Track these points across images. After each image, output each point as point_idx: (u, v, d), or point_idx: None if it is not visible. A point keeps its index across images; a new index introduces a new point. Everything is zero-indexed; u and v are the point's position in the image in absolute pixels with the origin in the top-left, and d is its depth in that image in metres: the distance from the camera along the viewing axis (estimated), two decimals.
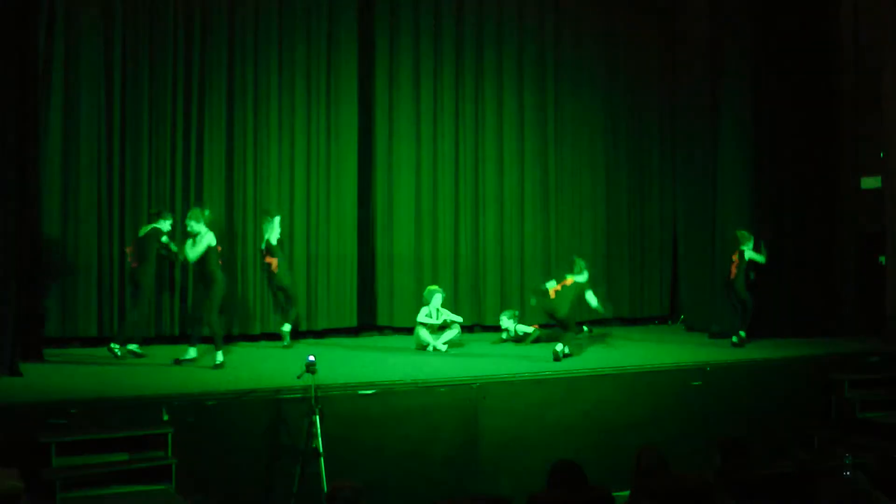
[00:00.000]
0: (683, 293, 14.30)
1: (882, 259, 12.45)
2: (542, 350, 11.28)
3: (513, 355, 10.80)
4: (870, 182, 12.95)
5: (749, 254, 11.70)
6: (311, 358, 7.73)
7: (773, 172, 12.90)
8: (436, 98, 13.27)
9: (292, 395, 7.98)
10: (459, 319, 11.51)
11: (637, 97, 14.64)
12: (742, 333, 11.60)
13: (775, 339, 12.02)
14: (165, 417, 7.57)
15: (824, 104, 13.20)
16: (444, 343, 11.19)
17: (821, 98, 13.19)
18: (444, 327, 11.39)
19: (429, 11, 13.19)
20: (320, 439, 7.57)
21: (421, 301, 11.56)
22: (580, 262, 10.95)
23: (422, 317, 11.24)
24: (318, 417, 7.59)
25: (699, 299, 13.53)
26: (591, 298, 10.91)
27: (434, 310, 11.25)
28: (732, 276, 11.79)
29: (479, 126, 13.54)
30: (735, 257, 11.79)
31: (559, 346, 10.25)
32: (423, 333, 11.16)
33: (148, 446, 7.41)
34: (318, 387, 7.74)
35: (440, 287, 11.75)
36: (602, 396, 9.38)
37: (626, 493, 5.39)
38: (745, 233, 11.83)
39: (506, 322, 12.17)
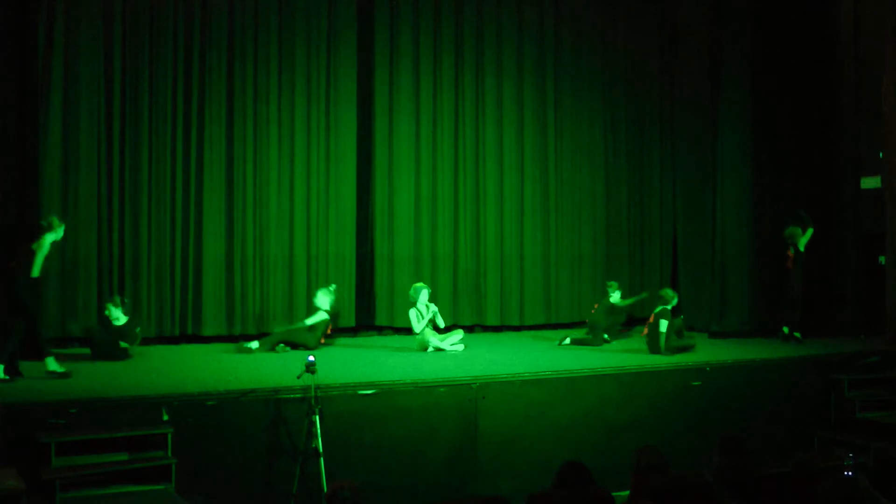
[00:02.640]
0: (683, 293, 14.28)
1: (882, 259, 12.45)
2: (544, 349, 11.30)
3: (513, 355, 10.79)
4: (870, 182, 12.94)
5: (803, 244, 11.87)
6: (311, 358, 7.74)
7: (773, 172, 12.90)
8: (435, 98, 13.27)
9: (292, 395, 7.98)
10: (441, 323, 11.40)
11: (637, 97, 14.62)
12: (785, 330, 11.88)
13: (775, 338, 12.04)
14: (165, 417, 7.58)
15: (824, 104, 13.20)
16: (453, 345, 11.15)
17: (820, 98, 13.19)
18: (441, 327, 11.36)
19: (429, 11, 13.19)
20: (320, 439, 7.58)
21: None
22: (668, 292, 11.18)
23: (414, 320, 11.16)
24: (318, 417, 7.60)
25: (699, 299, 13.53)
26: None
27: (423, 306, 11.21)
28: (789, 267, 11.98)
29: (478, 126, 13.54)
30: (790, 252, 11.96)
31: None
32: (431, 338, 11.09)
33: (148, 446, 7.42)
34: (317, 387, 7.75)
35: (430, 284, 11.69)
36: (602, 396, 9.38)
37: (626, 493, 5.39)
38: (796, 229, 11.93)
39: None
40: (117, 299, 10.53)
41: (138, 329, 10.48)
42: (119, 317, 10.32)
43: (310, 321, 11.28)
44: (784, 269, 12.11)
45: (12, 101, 9.07)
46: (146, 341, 11.16)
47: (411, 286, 11.52)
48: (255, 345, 10.93)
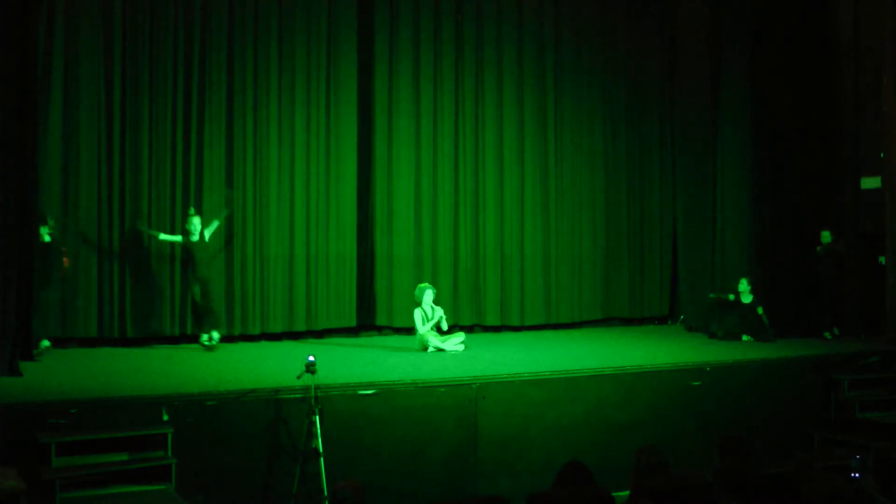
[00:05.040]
0: (683, 293, 14.30)
1: (882, 259, 12.46)
2: (544, 349, 11.31)
3: (513, 355, 10.79)
4: (870, 182, 12.95)
5: (825, 241, 12.33)
6: (311, 358, 7.72)
7: (773, 172, 12.90)
8: (435, 98, 13.27)
9: (292, 395, 7.98)
10: (445, 326, 11.33)
11: (637, 97, 14.64)
12: (828, 333, 12.27)
13: (776, 339, 12.05)
14: (165, 417, 7.58)
15: (824, 104, 13.20)
16: (455, 346, 11.12)
17: (820, 98, 13.19)
18: (444, 330, 11.32)
19: (429, 11, 13.20)
20: (320, 439, 7.57)
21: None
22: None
23: (419, 321, 11.11)
24: (318, 417, 7.60)
25: (699, 299, 13.53)
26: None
27: (428, 307, 11.19)
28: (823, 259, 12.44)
29: (478, 126, 13.55)
30: (817, 249, 12.42)
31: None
32: (432, 338, 11.05)
33: (148, 446, 7.41)
34: (317, 387, 7.75)
35: (431, 284, 11.67)
36: (602, 396, 9.37)
37: (626, 493, 5.38)
38: (827, 233, 12.43)
39: None
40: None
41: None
42: (195, 231, 10.43)
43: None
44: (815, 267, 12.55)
45: (12, 101, 9.05)
46: (147, 341, 11.19)
47: (416, 286, 11.51)
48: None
